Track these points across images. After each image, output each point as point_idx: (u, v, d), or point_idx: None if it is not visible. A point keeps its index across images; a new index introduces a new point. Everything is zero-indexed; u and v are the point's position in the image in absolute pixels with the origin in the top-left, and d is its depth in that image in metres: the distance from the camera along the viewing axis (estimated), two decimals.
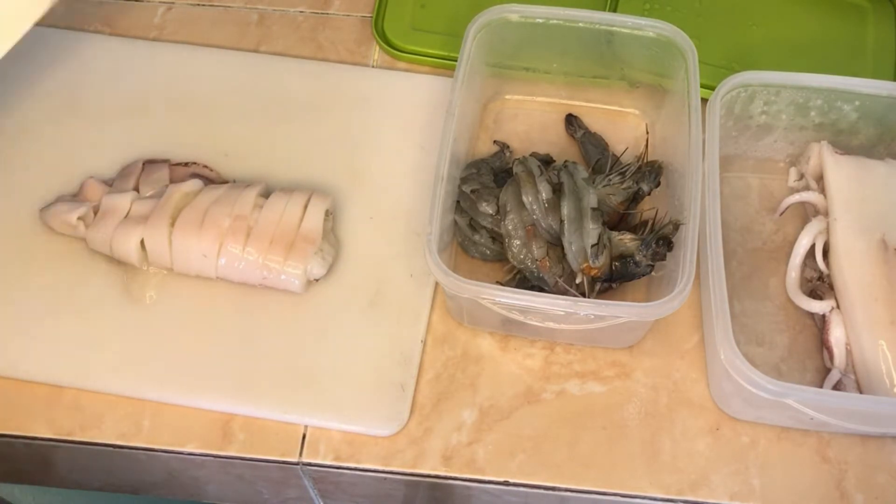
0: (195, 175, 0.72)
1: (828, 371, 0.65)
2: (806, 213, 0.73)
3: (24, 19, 0.63)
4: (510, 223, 0.66)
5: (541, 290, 0.65)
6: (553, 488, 0.63)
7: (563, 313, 0.60)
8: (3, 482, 0.95)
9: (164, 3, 0.85)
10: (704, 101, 0.68)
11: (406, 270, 0.70)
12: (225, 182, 0.72)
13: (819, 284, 0.68)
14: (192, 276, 0.68)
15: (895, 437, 0.65)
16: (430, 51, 0.80)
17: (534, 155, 0.73)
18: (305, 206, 0.69)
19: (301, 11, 0.85)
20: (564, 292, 0.64)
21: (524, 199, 0.66)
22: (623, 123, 0.78)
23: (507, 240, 0.66)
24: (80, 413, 0.65)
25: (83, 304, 0.68)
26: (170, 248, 0.67)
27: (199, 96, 0.78)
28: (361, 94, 0.77)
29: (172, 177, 0.72)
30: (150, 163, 0.73)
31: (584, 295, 0.64)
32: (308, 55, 0.82)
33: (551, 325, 0.62)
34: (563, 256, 0.65)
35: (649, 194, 0.70)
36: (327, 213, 0.70)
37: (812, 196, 0.70)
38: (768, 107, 0.71)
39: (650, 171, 0.69)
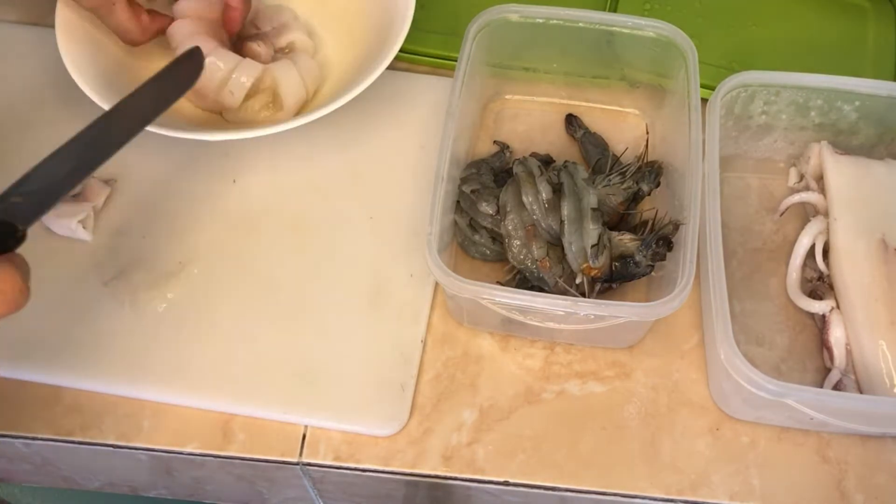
0: None
1: (828, 371, 0.65)
2: (806, 213, 0.73)
3: None
4: (510, 223, 0.66)
5: (541, 290, 0.65)
6: (553, 488, 0.63)
7: (563, 313, 0.60)
8: (3, 482, 0.95)
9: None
10: (704, 101, 0.68)
11: (406, 270, 0.70)
12: None
13: (819, 284, 0.68)
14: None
15: (895, 437, 0.65)
16: (430, 51, 0.80)
17: (534, 155, 0.73)
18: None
19: None
20: (564, 292, 0.64)
21: (524, 199, 0.66)
22: (623, 123, 0.78)
23: (507, 240, 0.67)
24: (80, 413, 0.65)
25: (83, 305, 0.68)
26: None
27: None
28: (361, 93, 0.77)
29: None
30: None
31: (584, 295, 0.64)
32: None
33: (551, 325, 0.62)
34: (563, 256, 0.65)
35: (649, 194, 0.70)
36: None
37: (812, 196, 0.70)
38: (768, 107, 0.71)
39: (650, 171, 0.69)
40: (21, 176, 0.54)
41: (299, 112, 0.75)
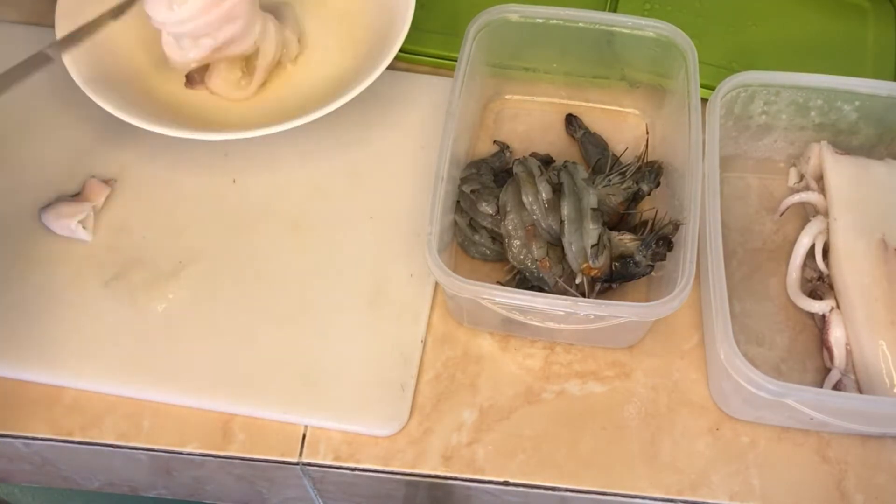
0: None
1: (828, 371, 0.65)
2: (806, 213, 0.73)
3: None
4: (510, 223, 0.66)
5: (541, 290, 0.65)
6: (553, 488, 0.63)
7: (563, 313, 0.60)
8: (3, 482, 0.95)
9: None
10: (704, 101, 0.68)
11: (406, 270, 0.70)
12: None
13: (819, 284, 0.68)
14: None
15: (895, 437, 0.65)
16: (430, 51, 0.80)
17: (534, 155, 0.73)
18: None
19: None
20: (564, 292, 0.64)
21: (524, 199, 0.66)
22: (623, 123, 0.78)
23: (507, 240, 0.67)
24: (80, 413, 0.65)
25: (83, 305, 0.68)
26: None
27: None
28: (361, 93, 0.77)
29: None
30: None
31: (584, 295, 0.64)
32: None
33: (551, 325, 0.62)
34: (563, 256, 0.65)
35: (649, 194, 0.70)
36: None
37: (812, 196, 0.70)
38: (768, 107, 0.71)
39: (650, 171, 0.69)
40: None
41: (266, 79, 0.77)
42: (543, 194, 0.66)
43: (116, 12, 0.70)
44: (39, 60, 0.62)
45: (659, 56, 0.72)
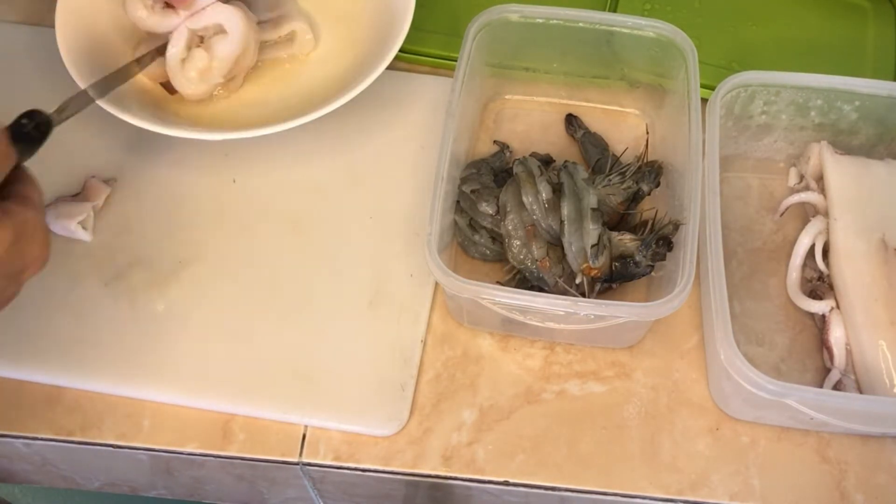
0: None
1: (828, 371, 0.65)
2: (806, 213, 0.73)
3: None
4: (510, 223, 0.66)
5: (541, 290, 0.66)
6: (553, 488, 0.63)
7: (563, 313, 0.60)
8: (3, 482, 0.95)
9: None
10: (704, 101, 0.68)
11: (406, 270, 0.70)
12: None
13: (819, 284, 0.68)
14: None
15: (895, 437, 0.65)
16: (430, 51, 0.80)
17: (534, 155, 0.73)
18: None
19: None
20: (564, 292, 0.64)
21: (524, 199, 0.66)
22: (623, 123, 0.78)
23: (507, 240, 0.67)
24: (80, 413, 0.65)
25: (83, 304, 0.68)
26: None
27: None
28: (361, 94, 0.77)
29: None
30: None
31: (584, 295, 0.64)
32: None
33: (551, 325, 0.62)
34: (563, 256, 0.65)
35: (649, 194, 0.70)
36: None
37: (812, 196, 0.70)
38: (768, 107, 0.71)
39: (650, 171, 0.69)
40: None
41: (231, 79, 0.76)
42: (543, 194, 0.66)
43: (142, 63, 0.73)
44: (81, 101, 0.65)
45: (659, 56, 0.72)
